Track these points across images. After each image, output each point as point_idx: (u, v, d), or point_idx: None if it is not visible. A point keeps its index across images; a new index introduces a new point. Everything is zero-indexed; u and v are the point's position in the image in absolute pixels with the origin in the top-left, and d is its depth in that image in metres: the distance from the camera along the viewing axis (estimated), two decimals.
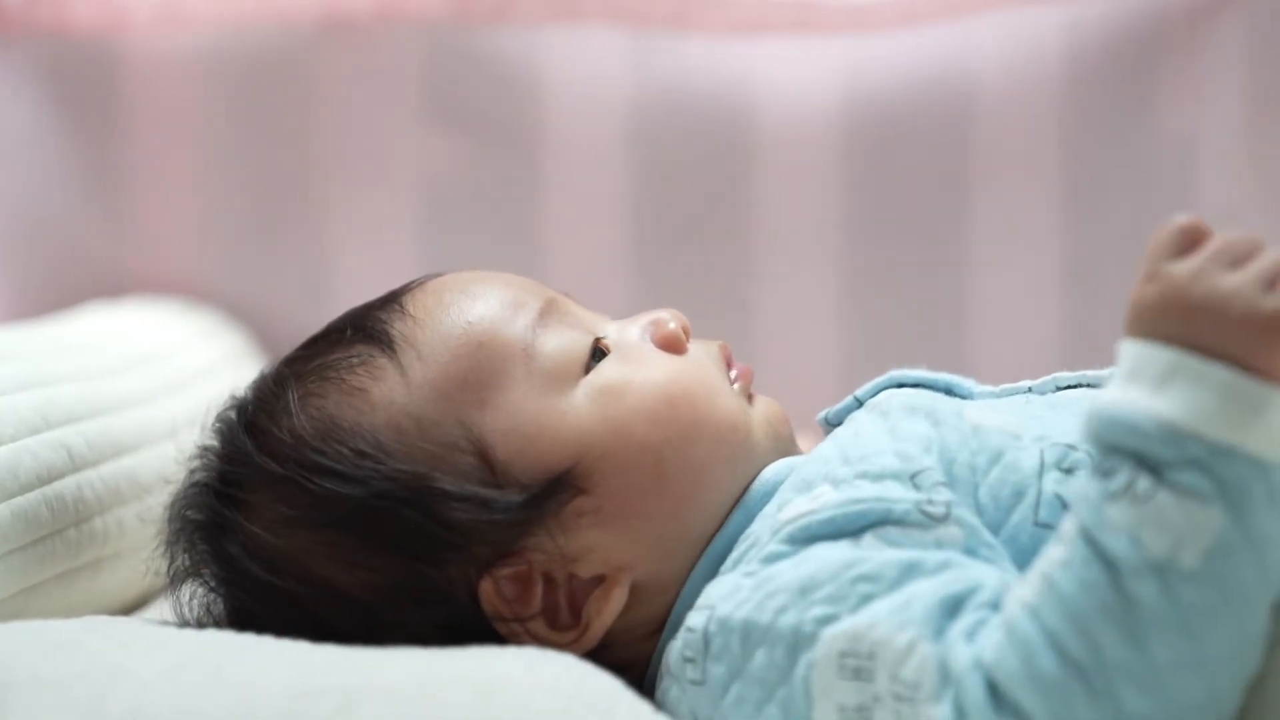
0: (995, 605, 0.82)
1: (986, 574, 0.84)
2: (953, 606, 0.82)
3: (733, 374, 1.02)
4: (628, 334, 1.01)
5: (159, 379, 1.34)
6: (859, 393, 1.01)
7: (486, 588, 0.93)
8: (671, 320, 1.01)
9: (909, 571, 0.84)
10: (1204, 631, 0.77)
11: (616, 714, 0.82)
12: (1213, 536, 0.77)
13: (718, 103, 1.62)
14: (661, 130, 1.62)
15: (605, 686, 0.85)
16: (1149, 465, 0.78)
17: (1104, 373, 0.99)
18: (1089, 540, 0.78)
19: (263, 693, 0.79)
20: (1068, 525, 0.80)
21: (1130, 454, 0.78)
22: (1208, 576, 0.77)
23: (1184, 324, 0.80)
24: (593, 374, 0.96)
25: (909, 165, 1.61)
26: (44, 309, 1.58)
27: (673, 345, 1.00)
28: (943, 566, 0.84)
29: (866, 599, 0.83)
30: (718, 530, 0.95)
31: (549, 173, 1.63)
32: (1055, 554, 0.80)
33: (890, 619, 0.82)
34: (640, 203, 1.63)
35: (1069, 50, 1.59)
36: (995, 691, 0.79)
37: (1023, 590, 0.80)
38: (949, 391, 1.00)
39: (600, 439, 0.94)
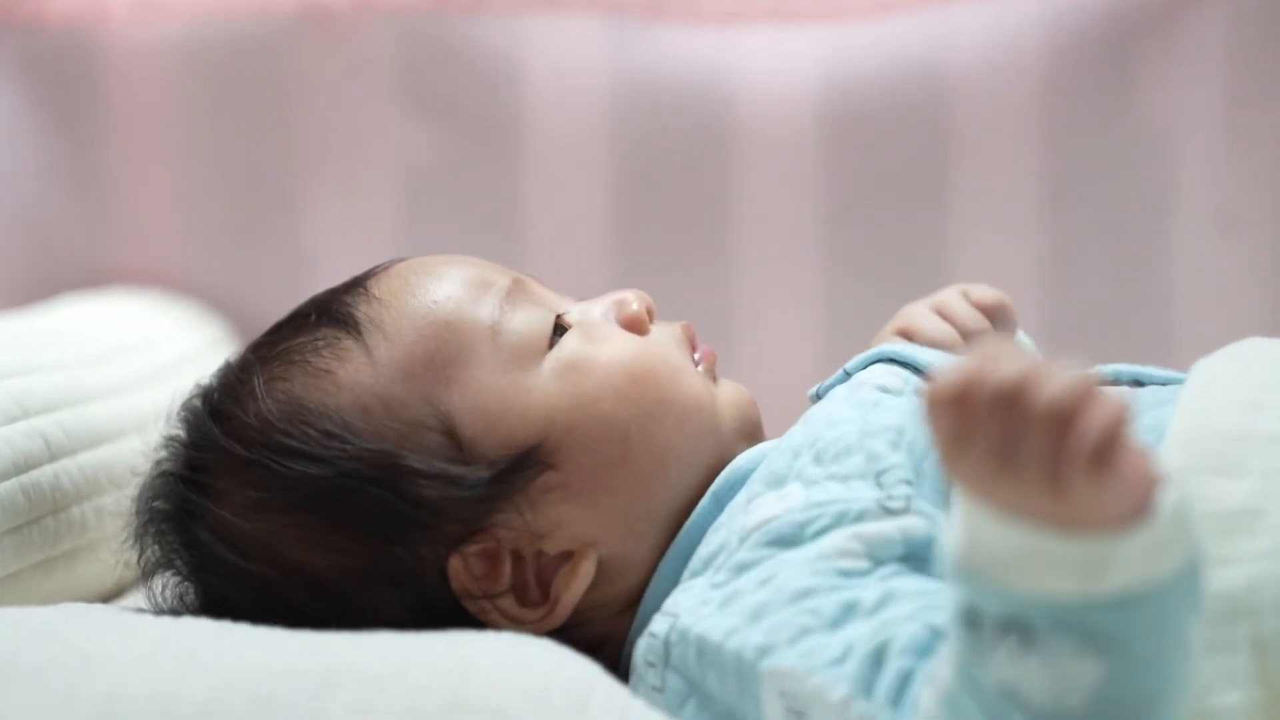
0: (919, 649, 0.80)
1: (914, 609, 0.81)
2: (879, 658, 0.80)
3: (696, 355, 1.02)
4: (591, 313, 1.01)
5: (138, 369, 1.33)
6: (849, 366, 1.02)
7: (456, 565, 0.93)
8: (635, 301, 1.01)
9: (848, 612, 0.83)
10: None
11: (593, 698, 0.82)
12: (1094, 682, 0.71)
13: (696, 92, 1.62)
14: (640, 119, 1.62)
15: (581, 671, 0.85)
16: (1014, 621, 0.71)
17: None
18: (973, 688, 0.74)
19: (238, 677, 0.78)
20: (952, 646, 0.75)
21: (988, 610, 0.72)
22: (1099, 711, 0.71)
23: (990, 496, 0.71)
24: (555, 349, 0.97)
25: (888, 154, 1.61)
26: (22, 300, 1.57)
27: (635, 326, 1.01)
28: (879, 605, 0.83)
29: (805, 632, 0.83)
30: (687, 514, 0.96)
31: (528, 162, 1.63)
32: (946, 677, 0.75)
33: (827, 671, 0.81)
34: (619, 192, 1.63)
35: (1048, 39, 1.59)
36: None
37: (927, 701, 0.77)
38: None
39: (566, 414, 0.94)
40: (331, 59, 1.64)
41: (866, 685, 0.80)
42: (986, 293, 1.12)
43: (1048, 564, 0.70)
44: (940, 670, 0.77)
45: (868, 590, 0.84)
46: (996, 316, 1.10)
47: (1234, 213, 1.57)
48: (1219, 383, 0.88)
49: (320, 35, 1.64)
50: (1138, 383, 0.99)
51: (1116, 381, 0.99)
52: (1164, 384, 0.98)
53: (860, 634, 0.82)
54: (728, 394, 1.02)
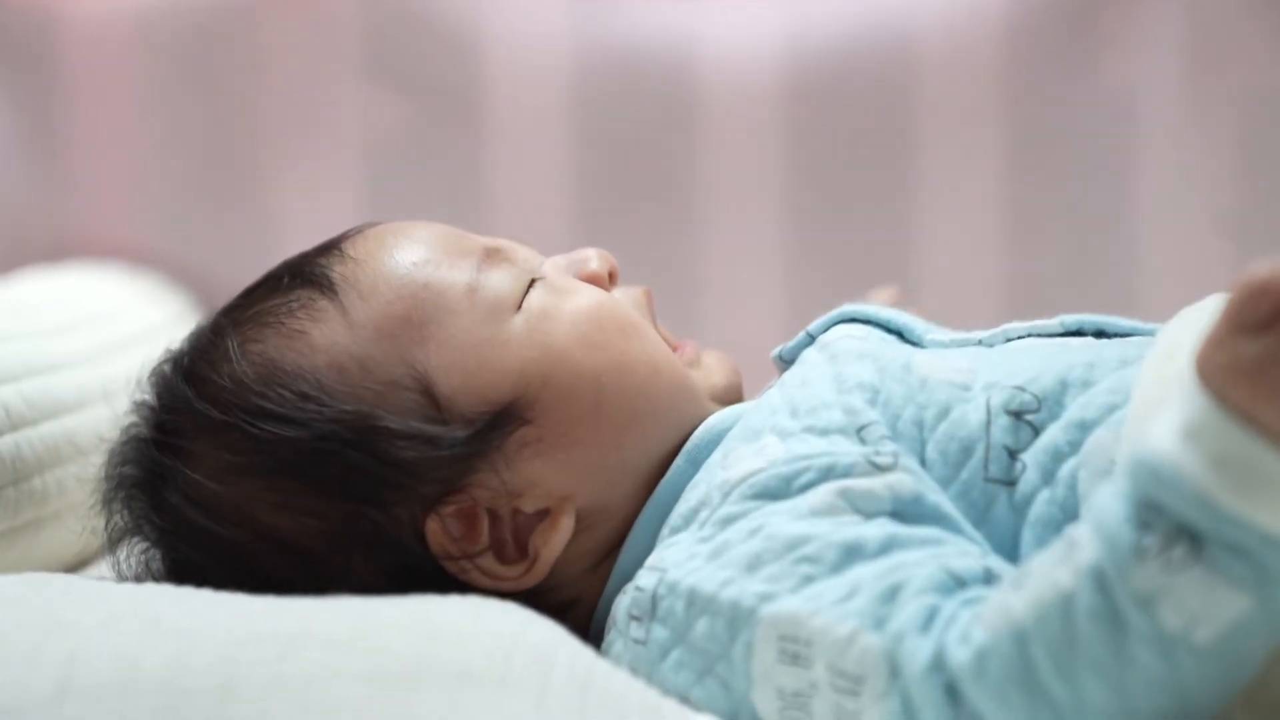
0: (941, 588, 0.81)
1: (925, 555, 0.83)
2: (891, 596, 0.81)
3: (677, 345, 1.03)
4: (555, 267, 1.01)
5: (100, 340, 1.33)
6: (811, 328, 1.02)
7: (433, 527, 0.93)
8: (595, 259, 1.02)
9: (851, 554, 0.83)
10: (1195, 692, 0.74)
11: (557, 661, 0.82)
12: (1233, 619, 0.73)
13: (659, 60, 1.61)
14: (603, 88, 1.62)
15: (546, 634, 0.85)
16: (1190, 533, 0.73)
17: (1052, 322, 1.00)
18: (1103, 590, 0.74)
19: (202, 640, 0.79)
20: (1082, 552, 0.75)
21: (1173, 516, 0.73)
22: (1216, 653, 0.73)
23: (1252, 404, 0.72)
24: (525, 303, 0.97)
25: (852, 121, 1.61)
26: None
27: (595, 283, 1.01)
28: (884, 548, 0.83)
29: (808, 580, 0.83)
30: (661, 470, 0.96)
31: (491, 132, 1.63)
32: (1061, 580, 0.76)
33: (833, 609, 0.81)
34: (583, 161, 1.63)
35: (1010, 5, 1.59)
36: (954, 694, 0.77)
37: (1014, 602, 0.77)
38: (900, 335, 1.01)
39: (540, 365, 0.95)
40: (294, 28, 1.63)
41: (877, 620, 0.80)
42: None
43: (1275, 491, 0.71)
44: (1032, 580, 0.76)
45: (869, 532, 0.84)
46: None
47: (1193, 176, 1.58)
48: (1181, 351, 0.88)
49: (282, 6, 1.63)
50: (1101, 333, 0.99)
51: (1080, 332, 0.99)
52: (1127, 335, 0.99)
53: (865, 574, 0.82)
54: (711, 362, 1.03)
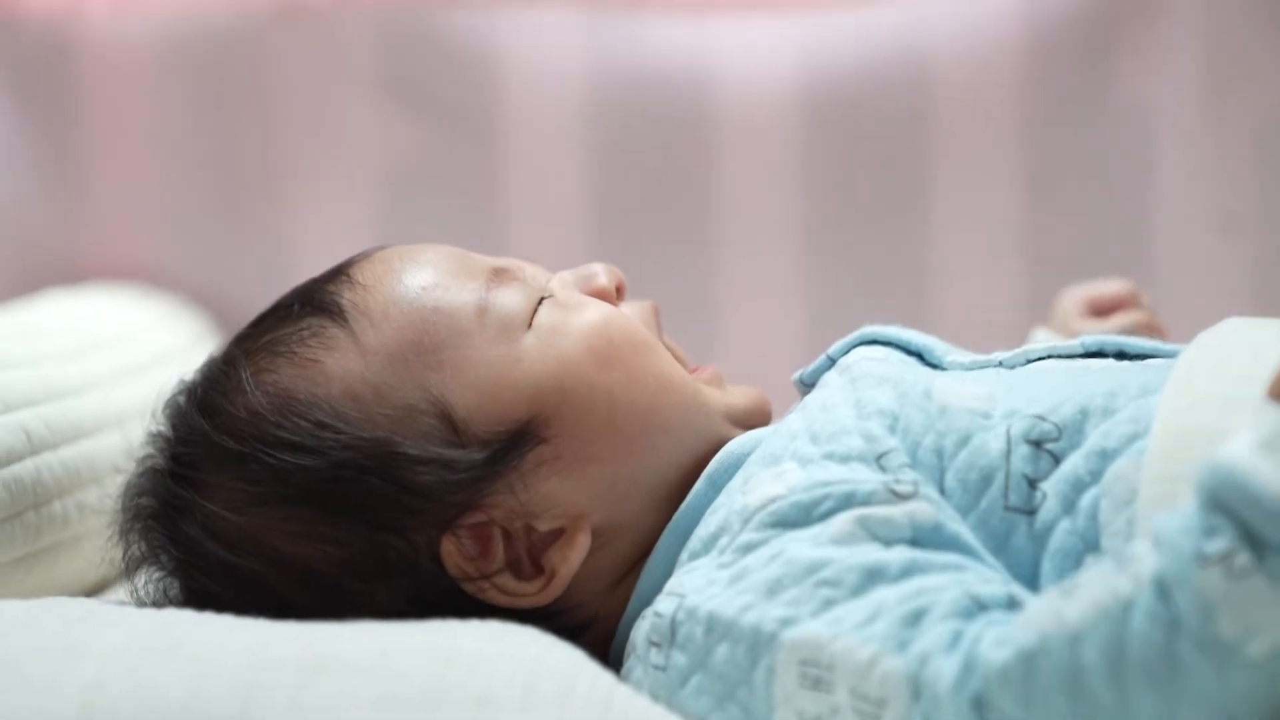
0: (964, 613, 0.80)
1: (948, 580, 0.82)
2: (915, 620, 0.81)
3: (706, 374, 1.02)
4: (563, 283, 1.01)
5: (119, 364, 1.33)
6: (831, 351, 1.01)
7: (449, 548, 0.93)
8: (602, 274, 1.02)
9: (872, 577, 0.83)
10: (1239, 707, 0.74)
11: (577, 686, 0.82)
12: None
13: (675, 82, 1.62)
14: (619, 110, 1.62)
15: (566, 658, 0.85)
16: (1254, 539, 0.73)
17: (1073, 343, 1.00)
18: (1163, 593, 0.74)
19: (220, 666, 0.79)
20: (1143, 562, 0.75)
21: (1239, 520, 0.73)
22: (1266, 668, 0.73)
23: None
24: (535, 320, 0.97)
25: (868, 141, 1.61)
26: (2, 296, 1.56)
27: (601, 298, 1.01)
28: (906, 571, 0.83)
29: (828, 603, 0.83)
30: (679, 490, 0.96)
31: (508, 154, 1.63)
32: (1120, 586, 0.76)
33: (854, 632, 0.81)
34: (600, 183, 1.63)
35: (1027, 26, 1.59)
36: (981, 707, 0.77)
37: (1066, 607, 0.77)
38: (920, 357, 1.01)
39: (555, 380, 0.95)
40: (310, 52, 1.64)
41: (900, 643, 0.80)
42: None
43: None
44: (1086, 589, 0.77)
45: (890, 556, 0.84)
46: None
47: (1210, 193, 1.57)
48: (1201, 379, 0.88)
49: (298, 28, 1.64)
50: (1122, 354, 0.99)
51: (1101, 353, 0.99)
52: (1148, 356, 0.98)
53: (888, 598, 0.82)
54: (735, 387, 1.03)
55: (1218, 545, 0.73)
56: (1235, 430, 0.76)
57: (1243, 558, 0.73)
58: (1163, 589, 0.74)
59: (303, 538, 0.93)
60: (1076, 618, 0.76)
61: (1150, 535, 0.77)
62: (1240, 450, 0.74)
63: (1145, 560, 0.76)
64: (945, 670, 0.78)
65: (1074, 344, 0.99)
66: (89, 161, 1.65)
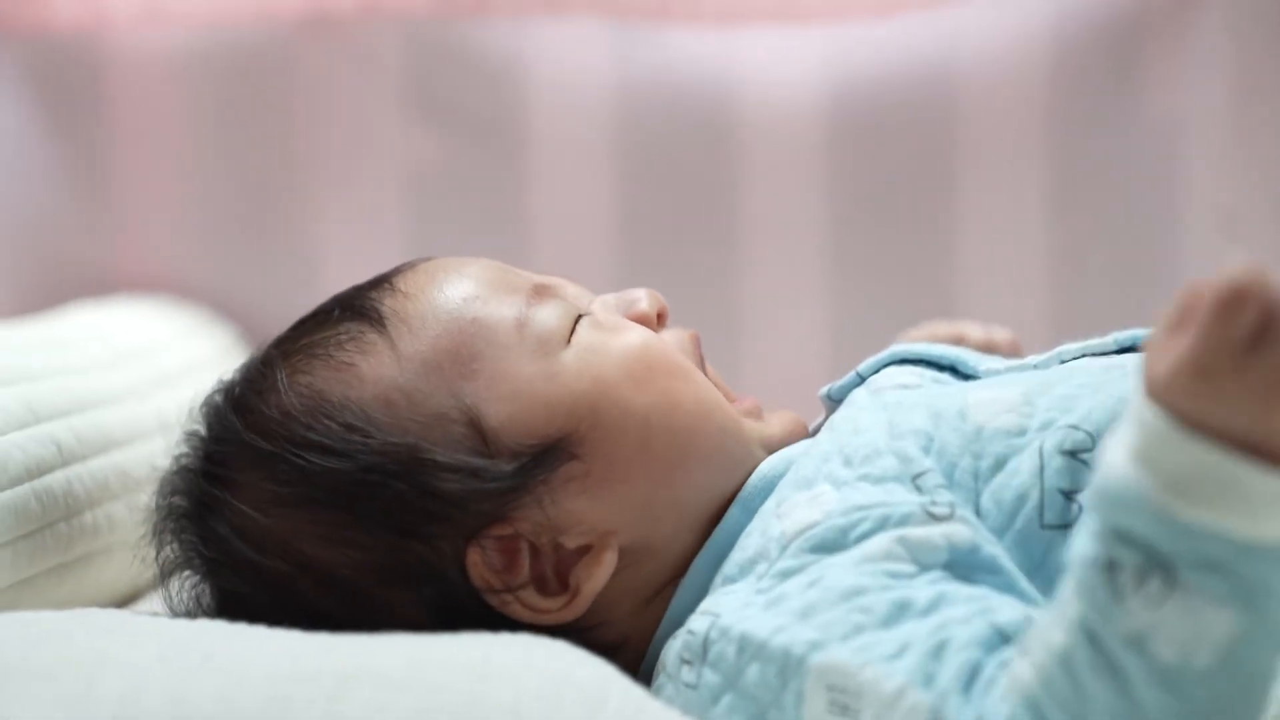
0: (985, 644, 0.81)
1: (972, 611, 0.82)
2: (938, 653, 0.81)
3: (745, 405, 1.02)
4: (605, 305, 1.02)
5: (147, 374, 1.34)
6: (861, 368, 1.01)
7: (475, 559, 0.93)
8: (645, 300, 1.02)
9: (901, 611, 0.83)
10: (1217, 714, 0.74)
11: (608, 699, 0.82)
12: (1227, 636, 0.72)
13: (701, 92, 1.62)
14: (645, 121, 1.62)
15: (597, 672, 0.85)
16: (1159, 561, 0.72)
17: (1106, 340, 0.99)
18: (1093, 642, 0.74)
19: (253, 678, 0.78)
20: (1069, 606, 0.75)
21: (1139, 545, 0.73)
22: (1221, 673, 0.73)
23: (1195, 408, 0.72)
24: (574, 338, 0.97)
25: (894, 153, 1.61)
26: (31, 308, 1.57)
27: (643, 323, 1.01)
28: (933, 606, 0.83)
29: (858, 629, 0.83)
30: (713, 513, 0.96)
31: (534, 165, 1.63)
32: (1054, 640, 0.76)
33: (882, 664, 0.81)
34: (625, 194, 1.63)
35: (1054, 35, 1.59)
36: None
37: (1023, 670, 0.77)
38: (954, 369, 1.01)
39: (589, 399, 0.95)
40: (336, 64, 1.64)
41: (926, 677, 0.80)
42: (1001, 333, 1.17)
43: (1237, 496, 0.70)
44: (1035, 643, 0.77)
45: (919, 591, 0.84)
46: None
47: (1236, 213, 1.57)
48: None
49: (325, 40, 1.64)
50: None
51: (1134, 348, 0.99)
52: None
53: (916, 633, 0.82)
54: (773, 418, 1.02)
55: (1124, 578, 0.73)
56: (1117, 436, 0.75)
57: (1154, 583, 0.72)
58: (1090, 634, 0.74)
59: (328, 541, 0.93)
60: (1030, 681, 0.76)
61: (1069, 569, 0.76)
62: (1121, 465, 0.73)
63: (1070, 604, 0.75)
64: (962, 718, 0.78)
65: (1107, 341, 0.99)
66: (116, 173, 1.66)
